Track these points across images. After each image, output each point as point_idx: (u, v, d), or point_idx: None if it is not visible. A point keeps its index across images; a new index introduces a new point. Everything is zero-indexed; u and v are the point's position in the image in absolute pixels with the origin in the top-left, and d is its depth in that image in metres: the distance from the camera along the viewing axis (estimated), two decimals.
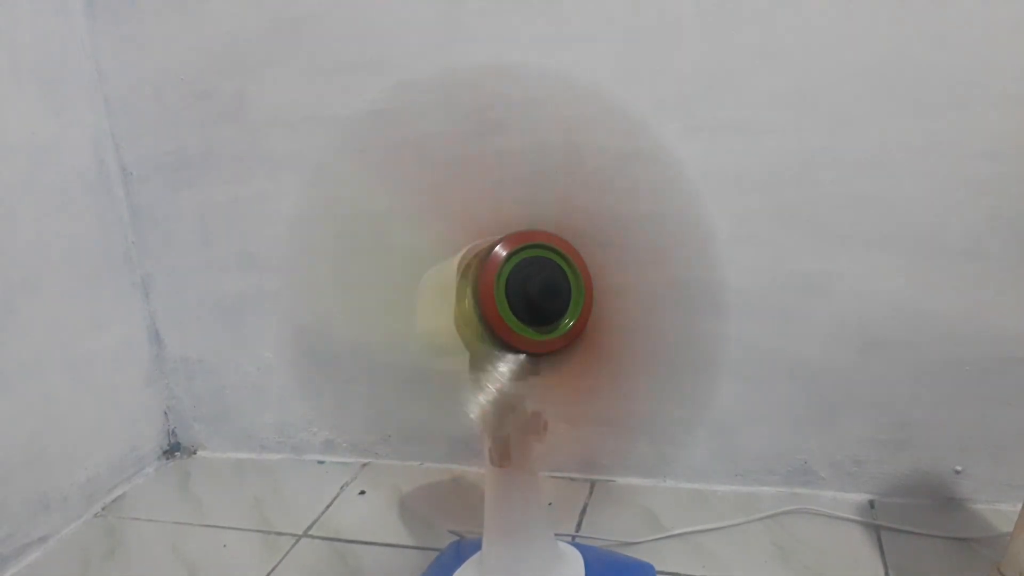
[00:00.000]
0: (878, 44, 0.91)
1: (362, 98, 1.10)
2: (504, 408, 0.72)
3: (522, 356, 0.68)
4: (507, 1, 1.02)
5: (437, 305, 0.72)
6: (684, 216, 0.99)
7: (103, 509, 1.22)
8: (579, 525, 1.05)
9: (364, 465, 1.28)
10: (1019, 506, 0.81)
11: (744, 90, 0.97)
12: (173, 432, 1.39)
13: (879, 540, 0.97)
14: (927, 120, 0.92)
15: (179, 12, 1.16)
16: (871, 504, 1.05)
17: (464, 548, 0.90)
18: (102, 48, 1.22)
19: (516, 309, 0.67)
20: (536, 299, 0.67)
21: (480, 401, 0.71)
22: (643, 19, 0.98)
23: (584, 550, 0.85)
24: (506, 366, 0.68)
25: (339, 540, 1.07)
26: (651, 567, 0.89)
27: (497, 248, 0.67)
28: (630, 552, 0.97)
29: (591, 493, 1.14)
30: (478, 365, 0.69)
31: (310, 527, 1.11)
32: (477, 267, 0.68)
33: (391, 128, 1.03)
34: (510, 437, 0.73)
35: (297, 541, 1.08)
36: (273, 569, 1.02)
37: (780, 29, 0.94)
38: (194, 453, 1.38)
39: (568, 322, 0.69)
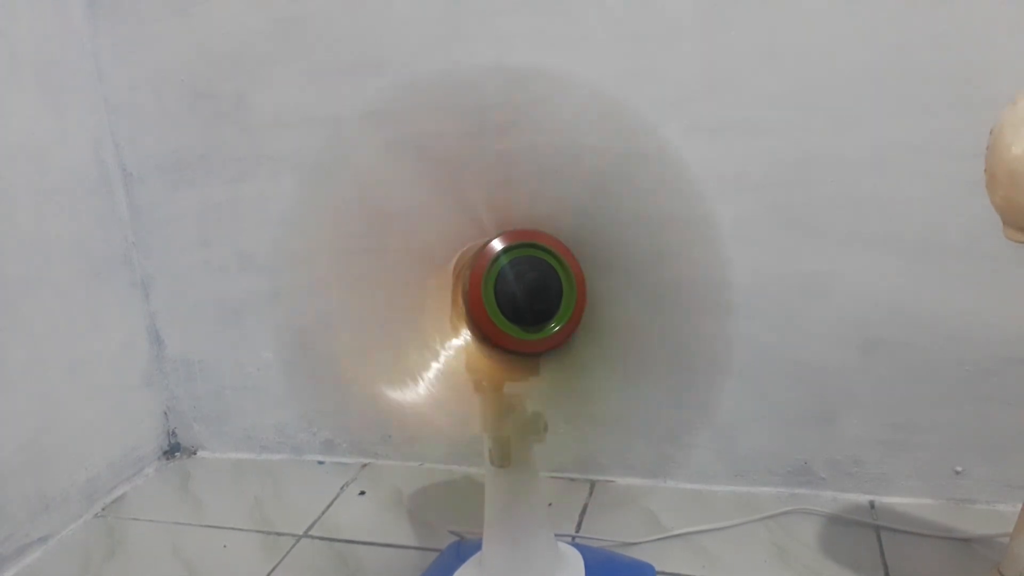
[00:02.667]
0: (878, 44, 0.91)
1: (362, 98, 1.10)
2: (504, 408, 0.72)
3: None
4: (508, 1, 1.02)
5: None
6: (684, 217, 0.99)
7: (103, 509, 1.22)
8: (579, 525, 1.05)
9: (364, 465, 1.28)
10: (1019, 506, 0.81)
11: (744, 90, 0.97)
12: (173, 432, 1.39)
13: (879, 540, 0.97)
14: (927, 120, 0.92)
15: (179, 12, 1.16)
16: (871, 504, 1.05)
17: (464, 548, 0.90)
18: (102, 48, 1.22)
19: (505, 308, 0.66)
20: (523, 298, 0.66)
21: (478, 401, 0.71)
22: (643, 19, 0.98)
23: (584, 550, 0.85)
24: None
25: (339, 540, 1.07)
26: (651, 568, 0.89)
27: (487, 247, 0.67)
28: (630, 552, 0.97)
29: (591, 493, 1.14)
30: (474, 366, 0.69)
31: (310, 527, 1.11)
32: (468, 266, 0.68)
33: (390, 128, 1.03)
34: (510, 437, 0.73)
35: (297, 541, 1.08)
36: (273, 569, 1.02)
37: (780, 29, 0.94)
38: (194, 453, 1.38)
39: (554, 327, 0.69)
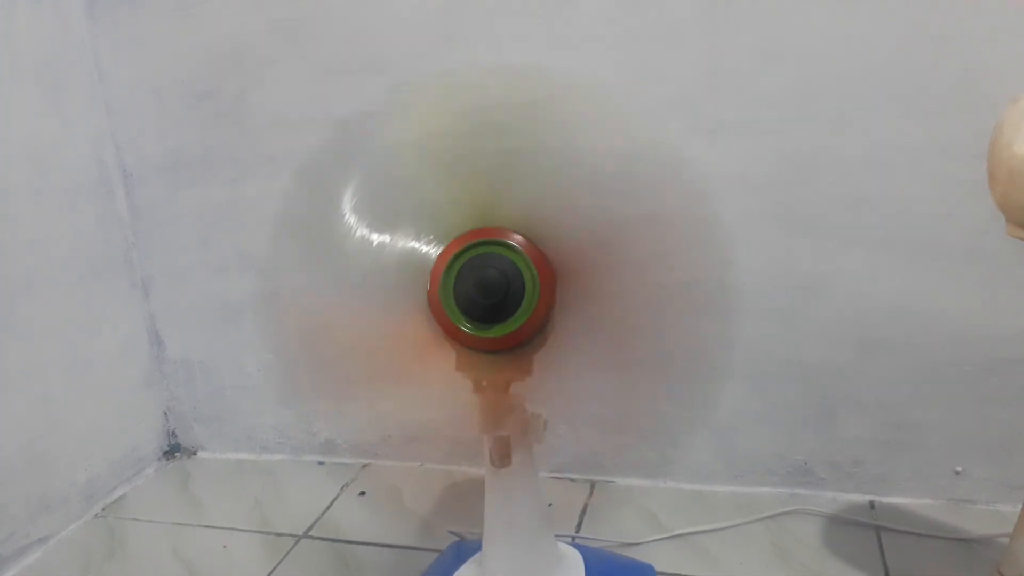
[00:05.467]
0: (878, 44, 0.91)
1: (362, 99, 1.10)
2: (504, 408, 0.72)
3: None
4: (507, 2, 1.02)
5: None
6: (684, 217, 0.99)
7: (103, 510, 1.22)
8: (579, 526, 1.05)
9: (364, 466, 1.28)
10: (1019, 507, 0.81)
11: (744, 90, 0.97)
12: (173, 433, 1.39)
13: (879, 540, 0.97)
14: (927, 120, 0.92)
15: (179, 13, 1.17)
16: (871, 504, 1.05)
17: (464, 548, 0.90)
18: (102, 48, 1.22)
19: (463, 304, 0.67)
20: (475, 294, 0.66)
21: (478, 401, 0.71)
22: (644, 20, 0.98)
23: (584, 551, 0.85)
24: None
25: (339, 541, 1.07)
26: (651, 568, 0.89)
27: (452, 243, 0.68)
28: (630, 553, 0.97)
29: (591, 493, 1.14)
30: (463, 364, 0.69)
31: (310, 528, 1.11)
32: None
33: (389, 128, 1.03)
34: (510, 437, 0.73)
35: (297, 542, 1.08)
36: (273, 570, 1.02)
37: (780, 29, 0.94)
38: (194, 454, 1.38)
39: (512, 324, 0.67)
